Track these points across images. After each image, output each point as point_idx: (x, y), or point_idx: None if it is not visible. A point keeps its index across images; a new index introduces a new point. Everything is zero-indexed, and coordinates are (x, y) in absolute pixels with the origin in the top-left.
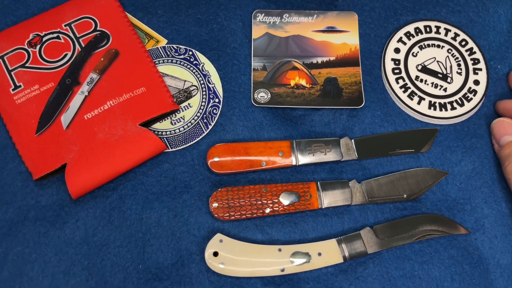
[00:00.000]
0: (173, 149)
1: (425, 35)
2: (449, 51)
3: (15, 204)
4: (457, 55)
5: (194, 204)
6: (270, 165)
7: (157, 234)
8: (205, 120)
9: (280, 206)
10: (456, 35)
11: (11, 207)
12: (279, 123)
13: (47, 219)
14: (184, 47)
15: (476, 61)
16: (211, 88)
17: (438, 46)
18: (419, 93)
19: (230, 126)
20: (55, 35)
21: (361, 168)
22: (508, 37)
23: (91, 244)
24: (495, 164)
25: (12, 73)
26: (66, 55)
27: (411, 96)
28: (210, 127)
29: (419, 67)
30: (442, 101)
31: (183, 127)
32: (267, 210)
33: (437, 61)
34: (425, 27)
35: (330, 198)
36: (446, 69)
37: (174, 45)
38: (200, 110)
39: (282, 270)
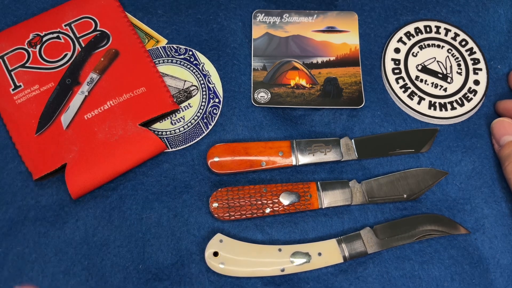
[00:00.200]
0: (173, 149)
1: (425, 35)
2: (449, 51)
3: (15, 204)
4: (457, 55)
5: (194, 204)
6: (270, 165)
7: (157, 234)
8: (205, 120)
9: (280, 206)
10: (456, 35)
11: (11, 207)
12: (279, 123)
13: (47, 219)
14: (184, 47)
15: (476, 61)
16: (211, 88)
17: (438, 46)
18: (419, 93)
19: (230, 126)
20: (55, 35)
21: (361, 168)
22: (508, 37)
23: (91, 244)
24: (495, 164)
25: (12, 73)
26: (66, 55)
27: (411, 96)
28: (210, 127)
29: (419, 67)
30: (442, 101)
31: (183, 127)
32: (267, 210)
33: (437, 61)
34: (425, 27)
35: (330, 198)
36: (446, 69)
37: (174, 45)
38: (200, 110)
39: (282, 270)
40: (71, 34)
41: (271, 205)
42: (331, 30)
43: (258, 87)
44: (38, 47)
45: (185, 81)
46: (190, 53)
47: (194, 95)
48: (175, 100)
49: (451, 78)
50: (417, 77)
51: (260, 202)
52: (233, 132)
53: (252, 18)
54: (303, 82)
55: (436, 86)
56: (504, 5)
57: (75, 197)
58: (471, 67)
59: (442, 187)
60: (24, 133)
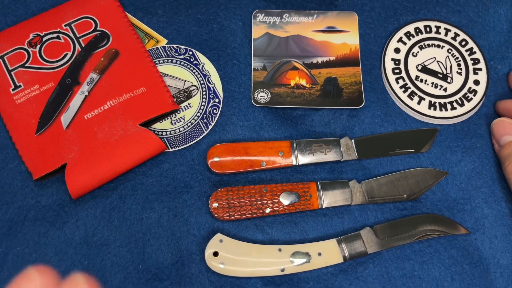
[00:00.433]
0: (173, 149)
1: (425, 35)
2: (449, 51)
3: (15, 204)
4: (457, 55)
5: (194, 204)
6: (270, 165)
7: (157, 234)
8: (205, 120)
9: (280, 206)
10: (456, 35)
11: (11, 207)
12: (279, 123)
13: (47, 219)
14: (184, 47)
15: (476, 61)
16: (211, 88)
17: (438, 46)
18: (419, 93)
19: (230, 126)
20: (55, 35)
21: (361, 168)
22: (508, 37)
23: (91, 244)
24: (495, 164)
25: (12, 73)
26: (66, 55)
27: (411, 96)
28: (210, 127)
29: (419, 67)
30: (442, 101)
31: (183, 127)
32: (267, 210)
33: (437, 61)
34: (425, 27)
35: (330, 198)
36: (446, 69)
37: (174, 45)
38: (200, 110)
39: (282, 270)
40: (71, 34)
41: (271, 205)
42: (331, 30)
43: (258, 87)
44: (38, 47)
45: (185, 81)
46: (190, 53)
47: (194, 95)
48: (175, 100)
49: (451, 78)
50: (417, 77)
51: (260, 202)
52: (233, 132)
53: (252, 18)
54: (303, 82)
55: (436, 86)
56: (504, 5)
57: (75, 197)
58: (471, 67)
59: (442, 187)
60: (24, 133)
